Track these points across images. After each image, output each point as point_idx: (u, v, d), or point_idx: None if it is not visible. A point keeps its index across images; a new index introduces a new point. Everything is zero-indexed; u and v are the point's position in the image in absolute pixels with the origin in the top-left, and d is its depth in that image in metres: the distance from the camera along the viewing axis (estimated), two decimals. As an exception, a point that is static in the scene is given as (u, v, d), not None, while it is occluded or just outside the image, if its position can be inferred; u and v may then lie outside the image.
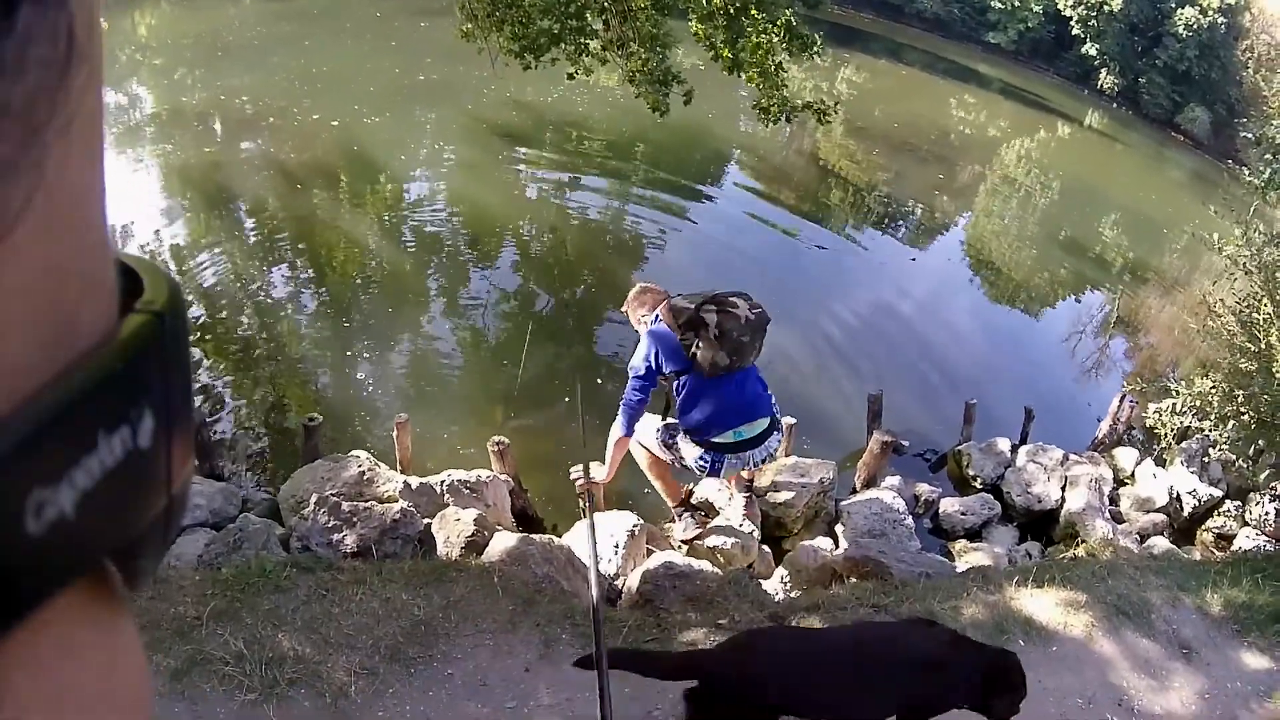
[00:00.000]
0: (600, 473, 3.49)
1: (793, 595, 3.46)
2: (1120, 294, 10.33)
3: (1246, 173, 6.19)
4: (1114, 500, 5.64)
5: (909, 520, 4.59)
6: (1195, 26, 28.33)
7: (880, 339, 7.33)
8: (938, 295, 8.90)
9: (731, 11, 6.02)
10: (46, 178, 0.16)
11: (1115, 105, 29.00)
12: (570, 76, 6.95)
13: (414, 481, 3.83)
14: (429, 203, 8.44)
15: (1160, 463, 6.00)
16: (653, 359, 3.28)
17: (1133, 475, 5.96)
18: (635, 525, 3.69)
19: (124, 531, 0.20)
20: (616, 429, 3.38)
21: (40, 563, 0.17)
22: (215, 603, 2.64)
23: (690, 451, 3.47)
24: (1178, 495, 5.67)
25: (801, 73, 18.49)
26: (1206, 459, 5.65)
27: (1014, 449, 5.74)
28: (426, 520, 3.59)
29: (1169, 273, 12.01)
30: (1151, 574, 3.96)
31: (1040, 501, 5.30)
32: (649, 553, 3.67)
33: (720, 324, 3.21)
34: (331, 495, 3.65)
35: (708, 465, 3.48)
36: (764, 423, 3.46)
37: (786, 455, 4.82)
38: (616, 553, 3.52)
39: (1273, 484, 5.31)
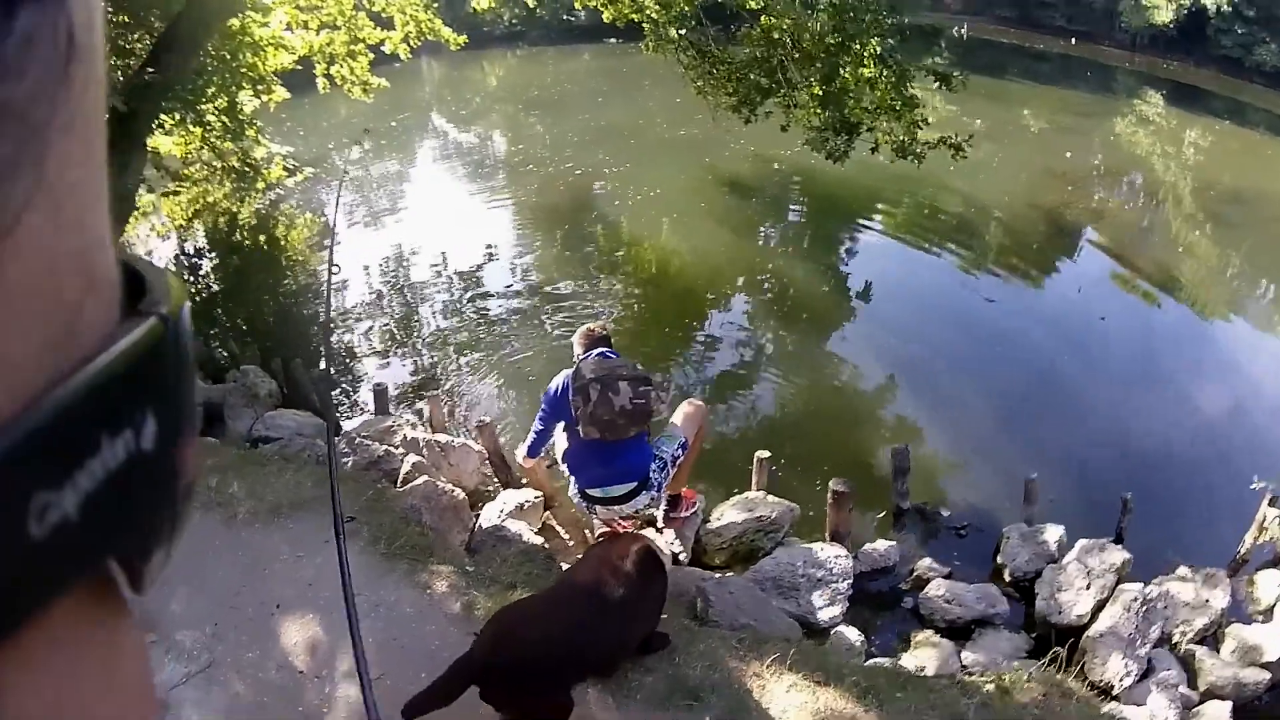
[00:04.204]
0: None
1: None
2: None
3: None
4: (1216, 638, 4.68)
5: (844, 584, 4.64)
6: None
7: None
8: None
9: (830, 48, 6.69)
10: (47, 177, 0.17)
11: None
12: (783, 129, 8.14)
13: (410, 434, 5.41)
14: (636, 249, 10.15)
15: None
16: (545, 405, 4.07)
17: (1271, 610, 4.88)
18: (525, 501, 4.76)
19: (127, 534, 0.21)
20: (519, 450, 4.33)
21: (43, 566, 0.18)
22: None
23: (572, 490, 4.21)
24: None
25: (1147, 137, 16.93)
26: None
27: (1063, 544, 5.14)
28: (416, 460, 5.05)
29: None
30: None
31: (1061, 612, 4.71)
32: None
33: (596, 404, 3.83)
34: (358, 434, 5.40)
35: (583, 507, 4.22)
36: (629, 486, 4.04)
37: (756, 489, 5.35)
38: (500, 515, 4.68)
39: None
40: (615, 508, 4.13)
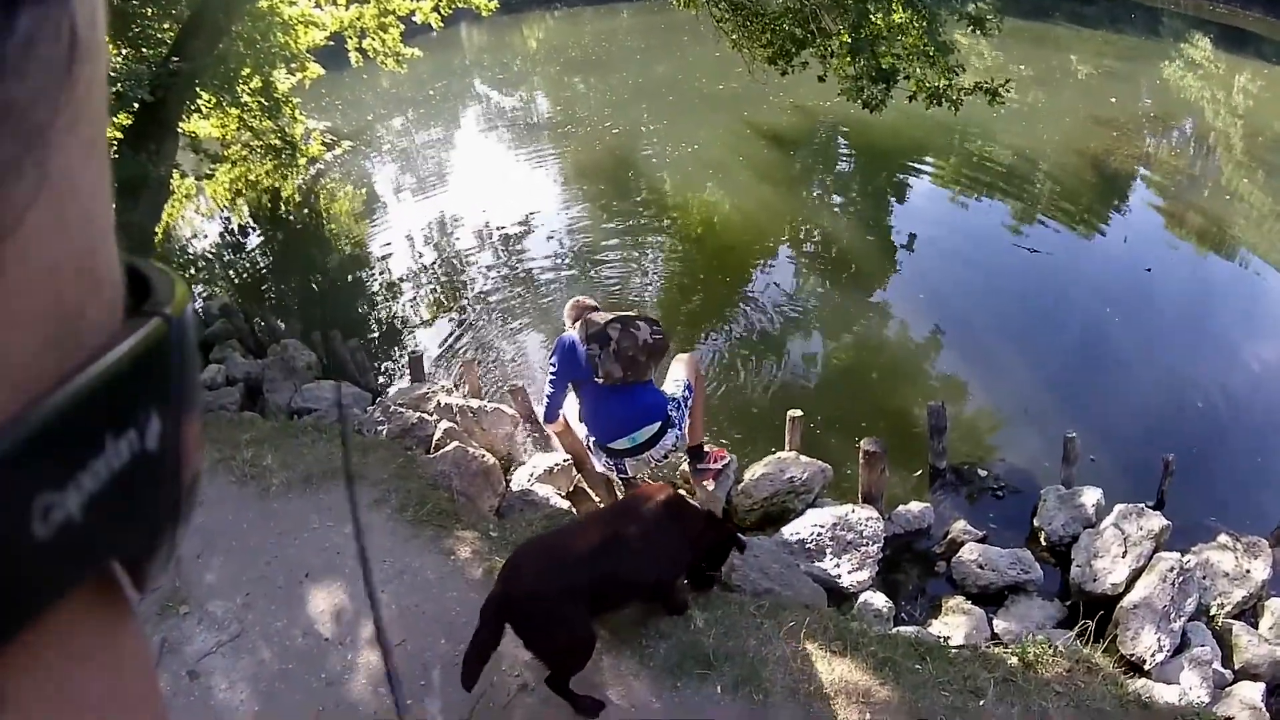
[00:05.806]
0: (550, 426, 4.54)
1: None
2: None
3: None
4: (1255, 612, 4.46)
5: (874, 547, 4.54)
6: None
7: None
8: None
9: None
10: (50, 177, 0.17)
11: None
12: (820, 79, 7.97)
13: (444, 400, 5.47)
14: (669, 204, 10.02)
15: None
16: (556, 363, 4.08)
17: (1315, 583, 4.57)
18: (555, 465, 4.79)
19: (131, 534, 0.21)
20: (540, 417, 4.37)
21: (47, 567, 0.17)
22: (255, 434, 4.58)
23: (597, 461, 4.26)
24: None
25: (1194, 81, 15.98)
26: None
27: (1101, 508, 4.90)
28: (447, 426, 5.15)
29: None
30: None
31: (1095, 580, 4.51)
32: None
33: (619, 341, 3.89)
34: (393, 403, 5.49)
35: (614, 469, 4.26)
36: (655, 427, 4.06)
37: (790, 449, 5.29)
38: (529, 479, 4.72)
39: None
40: (644, 454, 4.13)
